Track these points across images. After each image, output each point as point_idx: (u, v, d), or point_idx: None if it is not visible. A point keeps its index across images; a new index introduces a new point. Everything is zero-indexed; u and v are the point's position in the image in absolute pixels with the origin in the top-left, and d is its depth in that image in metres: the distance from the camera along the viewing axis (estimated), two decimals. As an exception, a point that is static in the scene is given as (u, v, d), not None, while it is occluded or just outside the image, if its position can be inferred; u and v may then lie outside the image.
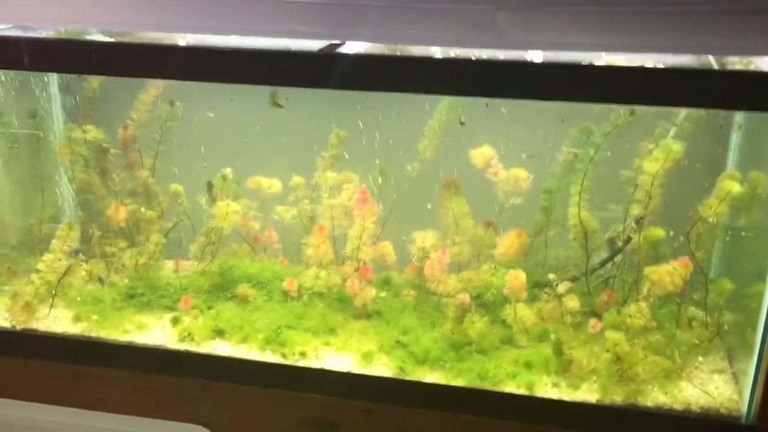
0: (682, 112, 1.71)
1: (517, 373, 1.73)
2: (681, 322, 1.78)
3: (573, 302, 1.79)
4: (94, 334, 1.90)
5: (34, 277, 1.94)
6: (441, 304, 1.91)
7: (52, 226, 2.05)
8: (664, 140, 1.71)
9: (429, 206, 1.93)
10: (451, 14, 1.47)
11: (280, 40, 1.59)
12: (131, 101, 2.03)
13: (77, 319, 1.94)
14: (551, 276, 1.81)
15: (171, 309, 1.97)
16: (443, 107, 1.89)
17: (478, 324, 1.79)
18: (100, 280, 2.04)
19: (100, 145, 2.05)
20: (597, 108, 1.76)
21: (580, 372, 1.72)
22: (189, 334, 1.87)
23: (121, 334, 1.90)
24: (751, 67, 1.45)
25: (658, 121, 1.74)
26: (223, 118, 2.04)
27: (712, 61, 1.47)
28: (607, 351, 1.68)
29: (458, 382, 1.73)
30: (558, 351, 1.73)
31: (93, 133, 2.03)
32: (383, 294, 1.97)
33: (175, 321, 1.92)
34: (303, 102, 1.86)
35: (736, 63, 1.46)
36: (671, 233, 1.76)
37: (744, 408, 1.62)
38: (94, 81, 2.07)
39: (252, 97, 1.88)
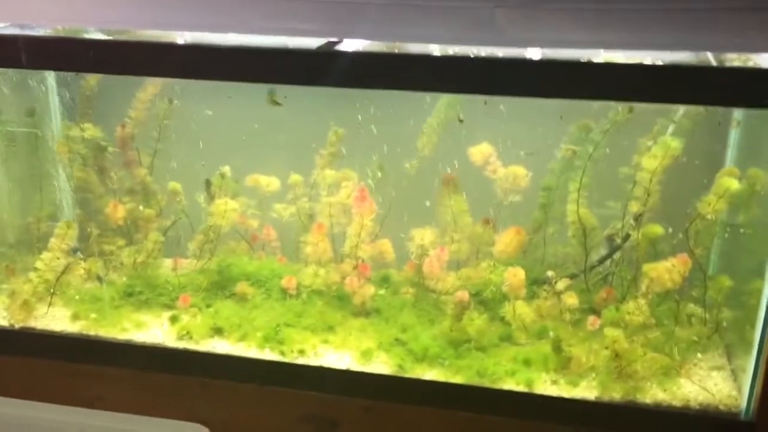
0: (681, 109, 1.71)
1: (516, 370, 1.73)
2: (680, 319, 1.78)
3: (572, 299, 1.79)
4: (92, 333, 1.90)
5: (32, 275, 1.94)
6: (440, 301, 1.91)
7: (51, 224, 2.05)
8: (662, 137, 1.71)
9: (428, 204, 1.93)
10: (450, 12, 1.47)
11: (279, 37, 1.59)
12: (129, 99, 2.03)
13: (75, 317, 1.94)
14: (550, 273, 1.81)
15: (169, 307, 1.97)
16: (442, 105, 1.88)
17: (477, 321, 1.79)
18: (99, 279, 2.04)
19: (99, 143, 2.05)
20: (596, 105, 1.76)
21: (579, 369, 1.72)
22: (187, 333, 1.87)
23: (120, 332, 1.89)
24: (750, 64, 1.45)
25: (656, 118, 1.74)
26: (221, 116, 2.04)
27: (710, 58, 1.47)
28: (606, 348, 1.68)
29: (457, 379, 1.73)
30: (557, 348, 1.73)
31: (91, 131, 2.03)
32: (382, 292, 1.98)
33: (174, 319, 1.91)
34: (301, 100, 1.85)
35: (735, 60, 1.46)
36: (670, 230, 1.76)
37: (743, 404, 1.63)
38: (92, 79, 2.07)
39: (250, 95, 1.87)
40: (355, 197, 1.88)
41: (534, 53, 1.50)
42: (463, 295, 1.80)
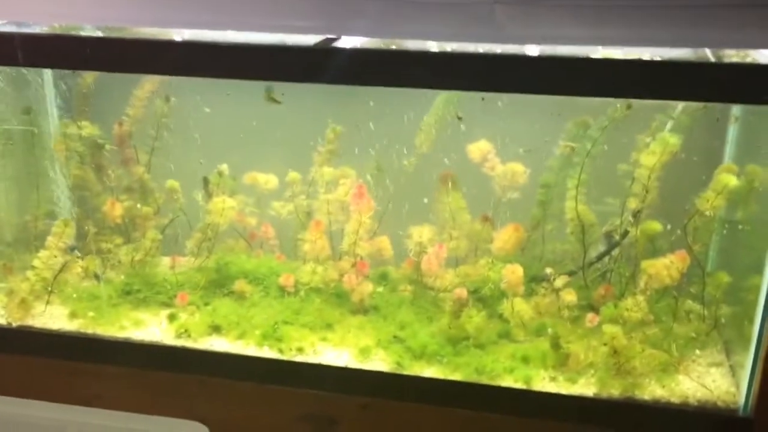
0: (680, 105, 1.71)
1: (515, 367, 1.73)
2: (678, 315, 1.78)
3: (570, 296, 1.79)
4: (90, 331, 1.90)
5: (29, 273, 1.94)
6: (438, 298, 1.91)
7: (48, 222, 2.04)
8: (661, 134, 1.71)
9: (426, 201, 1.93)
10: (449, 8, 1.47)
11: (276, 35, 1.59)
12: (127, 97, 2.03)
13: (73, 315, 1.93)
14: (548, 270, 1.81)
15: (167, 305, 1.97)
16: (440, 102, 1.88)
17: (475, 318, 1.79)
18: (96, 277, 2.04)
19: (96, 141, 2.04)
20: (594, 102, 1.76)
21: (577, 366, 1.72)
22: (186, 331, 1.87)
23: (118, 330, 1.89)
24: (748, 60, 1.45)
25: (655, 114, 1.74)
26: (219, 113, 2.04)
27: (708, 54, 1.47)
28: (605, 345, 1.68)
29: (455, 376, 1.73)
30: (555, 345, 1.73)
31: (88, 129, 2.02)
32: (380, 289, 1.97)
33: (172, 317, 1.91)
34: (299, 97, 1.85)
35: (733, 56, 1.46)
36: (668, 227, 1.76)
37: (741, 401, 1.63)
38: (89, 77, 2.06)
39: (248, 92, 1.87)
40: (353, 194, 1.87)
41: (532, 50, 1.50)
42: (462, 292, 1.80)
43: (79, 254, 2.05)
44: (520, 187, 1.85)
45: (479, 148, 1.86)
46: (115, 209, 2.01)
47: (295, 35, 1.58)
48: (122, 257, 2.03)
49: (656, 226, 1.75)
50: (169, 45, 1.64)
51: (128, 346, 1.86)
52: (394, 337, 1.82)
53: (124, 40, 1.68)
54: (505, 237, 1.86)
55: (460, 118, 1.84)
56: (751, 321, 1.58)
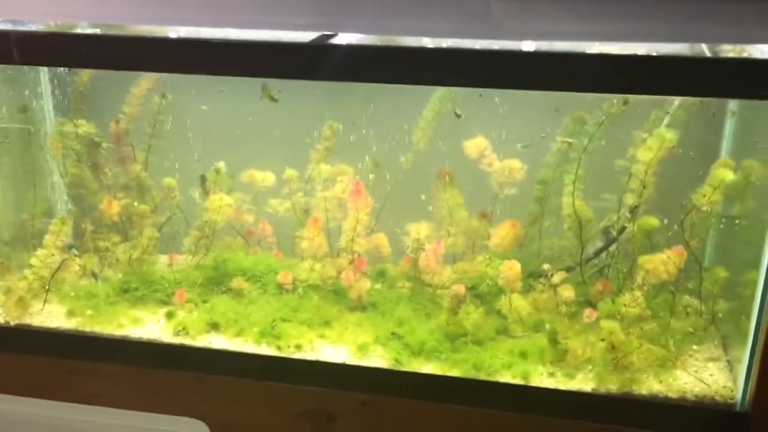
0: (676, 101, 1.71)
1: (513, 363, 1.73)
2: (675, 310, 1.78)
3: (568, 292, 1.79)
4: (88, 329, 1.90)
5: (27, 272, 1.94)
6: (436, 295, 1.91)
7: (45, 221, 2.04)
8: (657, 129, 1.71)
9: (423, 197, 1.93)
10: (446, 5, 1.47)
11: (273, 32, 1.58)
12: (123, 95, 2.02)
13: (71, 314, 1.93)
14: (546, 266, 1.81)
15: (165, 303, 1.97)
16: (436, 98, 1.88)
17: (473, 315, 1.79)
18: (94, 275, 2.04)
19: (92, 139, 2.04)
20: (590, 97, 1.76)
21: (575, 361, 1.72)
22: (184, 328, 1.87)
23: (116, 328, 1.89)
24: (744, 55, 1.45)
25: (651, 109, 1.74)
26: (215, 111, 2.03)
27: (705, 50, 1.47)
28: (602, 340, 1.68)
29: (454, 372, 1.73)
30: (553, 341, 1.74)
31: (85, 127, 2.02)
32: (378, 286, 1.97)
33: (170, 315, 1.91)
34: (296, 94, 1.85)
35: (730, 51, 1.46)
36: (665, 222, 1.76)
37: (738, 395, 1.63)
38: (85, 75, 2.06)
39: (244, 89, 1.87)
40: (350, 191, 1.87)
41: (528, 45, 1.49)
42: (459, 288, 1.80)
43: (76, 252, 2.05)
44: (518, 184, 1.85)
45: (476, 145, 1.86)
46: (112, 207, 2.01)
47: (292, 32, 1.57)
48: (120, 255, 2.03)
49: (653, 221, 1.75)
50: (166, 42, 1.63)
51: (126, 344, 1.86)
52: (392, 333, 1.83)
53: (120, 37, 1.68)
54: (502, 233, 1.86)
55: (459, 116, 1.84)
56: (748, 316, 1.59)
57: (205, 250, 2.02)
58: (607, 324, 1.67)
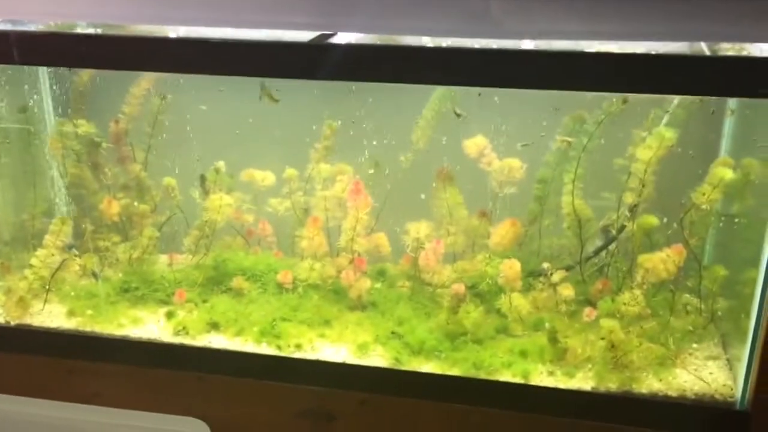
0: (675, 99, 1.71)
1: (513, 362, 1.73)
2: (675, 309, 1.79)
3: (568, 291, 1.79)
4: (88, 329, 1.90)
5: (27, 272, 1.94)
6: (436, 294, 1.91)
7: (45, 221, 2.04)
8: (657, 128, 1.71)
9: (423, 197, 1.93)
10: (445, 4, 1.47)
11: (272, 31, 1.59)
12: (123, 95, 2.02)
13: (71, 314, 1.93)
14: (546, 265, 1.81)
15: (165, 303, 1.97)
16: (436, 97, 1.88)
17: (473, 314, 1.79)
18: (94, 275, 2.04)
19: (92, 139, 2.04)
20: (590, 96, 1.76)
21: (575, 360, 1.72)
22: (184, 328, 1.87)
23: (116, 328, 1.89)
24: (743, 54, 1.45)
25: (651, 108, 1.74)
26: (215, 110, 2.04)
27: (704, 48, 1.47)
28: (602, 339, 1.69)
29: (454, 371, 1.73)
30: (553, 339, 1.74)
31: (84, 127, 2.02)
32: (378, 285, 1.98)
33: (170, 315, 1.91)
34: (295, 94, 1.85)
35: (729, 49, 1.46)
36: (665, 221, 1.76)
37: (738, 394, 1.63)
38: (85, 75, 2.06)
39: (244, 89, 1.87)
40: (350, 191, 1.88)
41: (528, 44, 1.50)
42: (459, 287, 1.80)
43: (76, 252, 2.05)
44: (517, 182, 1.85)
45: (476, 144, 1.86)
46: (112, 207, 2.01)
47: (291, 31, 1.57)
48: (120, 255, 2.03)
49: (653, 220, 1.75)
50: (165, 42, 1.63)
51: (126, 343, 1.86)
52: (392, 332, 1.83)
53: (119, 37, 1.68)
54: (502, 232, 1.86)
55: (459, 115, 1.84)
56: (748, 314, 1.59)
57: (205, 249, 2.03)
58: (606, 323, 1.67)
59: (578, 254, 1.88)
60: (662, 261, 1.69)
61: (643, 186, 1.72)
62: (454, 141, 1.87)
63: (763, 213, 1.64)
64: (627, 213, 1.78)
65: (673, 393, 1.66)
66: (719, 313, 1.80)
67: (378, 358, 1.78)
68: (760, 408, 1.58)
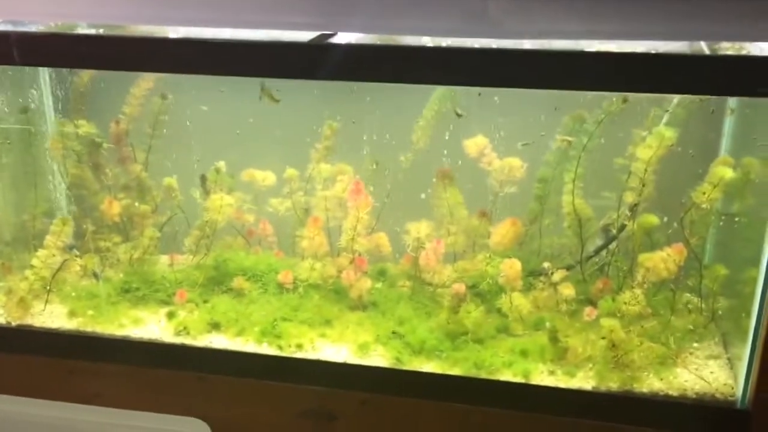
0: (675, 99, 1.71)
1: (513, 361, 1.73)
2: (676, 308, 1.79)
3: (568, 290, 1.79)
4: (89, 329, 1.90)
5: (28, 273, 1.94)
6: (436, 294, 1.91)
7: (46, 221, 2.04)
8: (657, 127, 1.71)
9: (423, 196, 1.93)
10: (445, 4, 1.47)
11: (272, 31, 1.59)
12: (123, 95, 2.02)
13: (72, 314, 1.94)
14: (546, 264, 1.81)
15: (166, 303, 1.97)
16: (436, 97, 1.88)
17: (473, 313, 1.79)
18: (95, 275, 2.04)
19: (93, 139, 2.04)
20: (590, 95, 1.76)
21: (575, 359, 1.72)
22: (185, 328, 1.87)
23: (117, 328, 1.89)
24: (743, 53, 1.45)
25: (651, 107, 1.74)
26: (216, 111, 2.04)
27: (704, 47, 1.47)
28: (603, 338, 1.69)
29: (454, 371, 1.73)
30: (554, 339, 1.74)
31: (85, 127, 2.02)
32: (379, 285, 1.98)
33: (171, 315, 1.91)
34: (295, 94, 1.85)
35: (728, 48, 1.46)
36: (665, 220, 1.76)
37: (739, 393, 1.63)
38: (86, 75, 2.06)
39: (244, 89, 1.87)
40: (350, 190, 1.88)
41: (527, 44, 1.50)
42: (460, 287, 1.80)
43: (77, 253, 2.05)
44: (518, 182, 1.85)
45: (476, 143, 1.86)
46: (113, 208, 2.01)
47: (291, 32, 1.57)
48: (121, 255, 2.03)
49: (653, 219, 1.75)
50: (166, 42, 1.63)
51: (127, 344, 1.87)
52: (393, 332, 1.83)
53: (120, 37, 1.68)
54: (502, 232, 1.86)
55: (459, 115, 1.84)
56: (748, 313, 1.59)
57: (206, 249, 2.03)
58: (607, 322, 1.67)
59: (579, 253, 1.88)
60: (663, 260, 1.69)
61: (644, 185, 1.72)
62: (455, 141, 1.87)
63: (763, 212, 1.64)
64: (627, 212, 1.78)
65: (673, 392, 1.66)
66: (720, 312, 1.80)
67: (379, 357, 1.78)
68: (761, 407, 1.58)
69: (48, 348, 1.89)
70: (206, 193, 2.03)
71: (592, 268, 1.90)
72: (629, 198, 1.76)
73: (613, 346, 1.68)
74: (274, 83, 1.78)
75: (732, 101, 1.77)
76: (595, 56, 1.44)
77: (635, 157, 1.72)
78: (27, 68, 2.04)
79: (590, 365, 1.71)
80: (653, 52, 1.43)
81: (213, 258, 2.04)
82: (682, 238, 1.72)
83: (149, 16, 1.62)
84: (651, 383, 1.67)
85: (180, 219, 2.08)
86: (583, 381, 1.69)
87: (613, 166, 1.77)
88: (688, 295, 1.81)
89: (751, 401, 1.60)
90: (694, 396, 1.65)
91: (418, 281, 1.94)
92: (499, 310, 1.82)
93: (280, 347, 1.82)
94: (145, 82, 2.01)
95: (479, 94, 1.77)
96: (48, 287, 1.95)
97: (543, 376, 1.71)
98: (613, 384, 1.67)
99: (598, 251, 1.89)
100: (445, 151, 1.92)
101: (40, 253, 1.93)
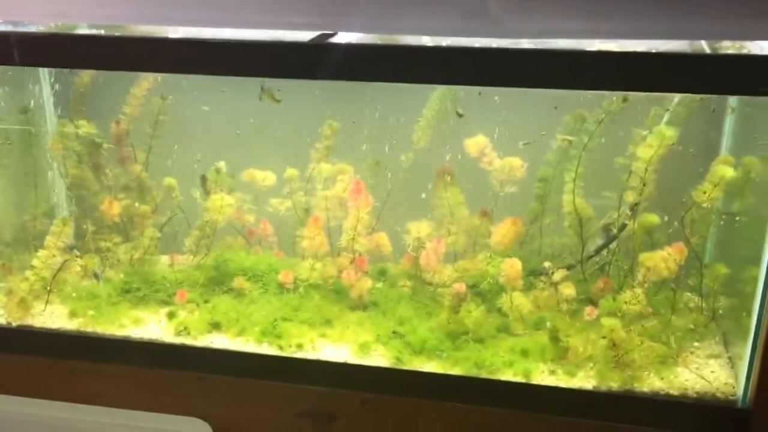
0: (676, 98, 1.71)
1: (514, 361, 1.73)
2: (676, 307, 1.78)
3: (569, 290, 1.79)
4: (90, 330, 1.90)
5: (28, 273, 1.94)
6: (437, 293, 1.91)
7: (46, 222, 2.04)
8: (657, 126, 1.71)
9: (424, 196, 1.93)
10: (445, 3, 1.47)
11: (272, 31, 1.59)
12: (123, 95, 2.02)
13: (73, 314, 1.94)
14: (547, 264, 1.81)
15: (167, 303, 1.97)
16: (436, 97, 1.88)
17: (474, 313, 1.79)
18: (95, 276, 2.04)
19: (93, 140, 2.04)
20: (590, 95, 1.76)
21: (576, 359, 1.72)
22: (185, 328, 1.87)
23: (117, 329, 1.89)
24: (744, 52, 1.45)
25: (651, 107, 1.74)
26: (216, 111, 2.04)
27: (704, 46, 1.47)
28: (604, 338, 1.68)
29: (455, 371, 1.73)
30: (554, 338, 1.74)
31: (85, 128, 2.02)
32: (379, 285, 1.97)
33: (171, 315, 1.91)
34: (296, 94, 1.85)
35: (729, 47, 1.46)
36: (666, 219, 1.76)
37: (740, 392, 1.63)
38: (86, 75, 2.06)
39: (245, 89, 1.87)
40: (350, 190, 1.88)
41: (527, 43, 1.50)
42: (460, 287, 1.80)
43: (77, 253, 2.05)
44: (518, 181, 1.85)
45: (476, 143, 1.86)
46: (113, 208, 2.01)
47: (291, 32, 1.57)
48: (121, 256, 2.03)
49: (654, 218, 1.75)
50: (166, 42, 1.63)
51: (128, 344, 1.87)
52: (394, 332, 1.83)
53: (120, 38, 1.68)
54: (503, 231, 1.86)
55: (460, 115, 1.84)
56: (749, 313, 1.59)
57: (206, 250, 2.03)
58: (608, 321, 1.67)
59: (579, 253, 1.88)
60: (663, 259, 1.69)
61: (644, 184, 1.72)
62: (455, 140, 1.87)
63: (763, 211, 1.64)
64: (628, 211, 1.78)
65: (674, 391, 1.65)
66: (720, 311, 1.79)
67: (379, 357, 1.78)
68: (762, 406, 1.58)
69: (48, 348, 1.89)
70: (206, 193, 2.03)
71: (592, 267, 1.90)
72: (630, 197, 1.76)
73: (614, 345, 1.68)
74: (275, 83, 1.78)
75: (733, 100, 1.77)
76: (595, 55, 1.44)
77: (636, 156, 1.72)
78: (27, 68, 2.04)
79: (591, 365, 1.71)
80: (654, 51, 1.43)
81: (213, 258, 2.04)
82: (682, 238, 1.72)
83: (149, 16, 1.63)
84: (652, 383, 1.67)
85: (180, 219, 2.08)
86: (584, 380, 1.69)
87: (613, 165, 1.77)
88: (689, 294, 1.81)
89: (752, 400, 1.60)
90: (695, 395, 1.65)
91: (419, 281, 1.94)
92: (499, 310, 1.82)
93: (280, 347, 1.82)
94: (146, 82, 2.01)
95: (479, 94, 1.77)
96: (48, 288, 1.95)
97: (544, 376, 1.71)
98: (613, 383, 1.67)
99: (598, 251, 1.89)
100: (447, 149, 1.92)
101: (41, 253, 1.93)
